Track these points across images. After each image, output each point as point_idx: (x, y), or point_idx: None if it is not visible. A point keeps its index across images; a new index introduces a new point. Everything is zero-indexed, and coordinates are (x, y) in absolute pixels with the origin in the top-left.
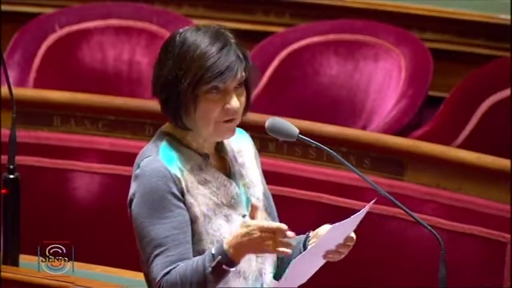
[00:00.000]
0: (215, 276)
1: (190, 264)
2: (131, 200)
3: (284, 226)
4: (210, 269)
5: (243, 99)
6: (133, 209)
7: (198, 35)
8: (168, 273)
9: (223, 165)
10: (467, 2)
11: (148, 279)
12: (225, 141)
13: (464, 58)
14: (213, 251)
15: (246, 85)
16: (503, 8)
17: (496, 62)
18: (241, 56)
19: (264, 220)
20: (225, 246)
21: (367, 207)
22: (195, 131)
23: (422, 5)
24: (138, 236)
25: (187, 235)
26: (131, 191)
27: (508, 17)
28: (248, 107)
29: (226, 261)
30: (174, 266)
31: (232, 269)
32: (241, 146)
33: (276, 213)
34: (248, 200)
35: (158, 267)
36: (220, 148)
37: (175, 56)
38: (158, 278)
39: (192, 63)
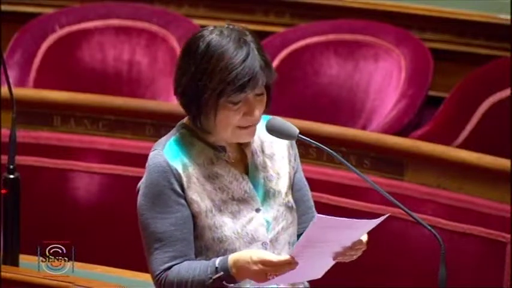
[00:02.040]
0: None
1: (193, 269)
2: (139, 189)
3: (292, 260)
4: (211, 280)
5: (264, 105)
6: (138, 199)
7: (221, 41)
8: (168, 269)
9: (243, 156)
10: (467, 2)
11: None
12: None
13: (464, 58)
14: (217, 264)
15: (267, 90)
16: (503, 8)
17: (496, 62)
18: (263, 64)
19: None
20: (230, 262)
21: (378, 221)
22: (213, 133)
23: (422, 5)
24: (140, 226)
25: (185, 232)
26: (141, 180)
27: (508, 17)
28: (268, 108)
29: (227, 278)
30: (173, 262)
31: (231, 285)
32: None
33: (309, 200)
34: (266, 193)
35: (158, 261)
36: None
37: (197, 63)
38: (157, 272)
39: (215, 75)
